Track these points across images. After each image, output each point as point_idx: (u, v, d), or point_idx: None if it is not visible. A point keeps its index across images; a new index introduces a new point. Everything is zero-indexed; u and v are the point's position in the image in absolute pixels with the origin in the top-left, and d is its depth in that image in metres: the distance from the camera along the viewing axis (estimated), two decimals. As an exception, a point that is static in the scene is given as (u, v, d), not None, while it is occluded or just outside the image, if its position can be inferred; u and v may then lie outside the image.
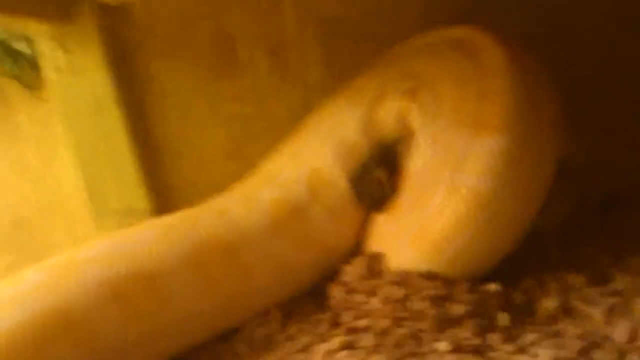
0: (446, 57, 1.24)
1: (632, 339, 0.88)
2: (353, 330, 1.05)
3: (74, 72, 1.51)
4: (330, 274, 1.21)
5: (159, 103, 1.59)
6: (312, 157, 1.33)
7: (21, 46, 1.57)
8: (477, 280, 1.07)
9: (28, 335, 0.97)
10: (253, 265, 1.17)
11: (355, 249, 1.26)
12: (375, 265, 1.15)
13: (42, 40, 1.50)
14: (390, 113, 1.27)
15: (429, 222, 1.10)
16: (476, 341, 0.95)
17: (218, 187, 1.41)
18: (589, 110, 1.31)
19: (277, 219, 1.22)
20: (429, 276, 1.07)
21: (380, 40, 1.49)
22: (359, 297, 1.10)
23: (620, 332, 0.89)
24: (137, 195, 1.56)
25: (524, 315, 1.02)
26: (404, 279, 1.08)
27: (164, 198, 1.61)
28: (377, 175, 1.24)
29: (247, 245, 1.18)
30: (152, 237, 1.13)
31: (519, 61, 1.13)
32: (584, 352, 0.87)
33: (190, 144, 1.61)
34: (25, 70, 1.61)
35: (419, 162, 1.19)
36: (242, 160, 1.58)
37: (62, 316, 1.00)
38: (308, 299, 1.23)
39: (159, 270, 1.09)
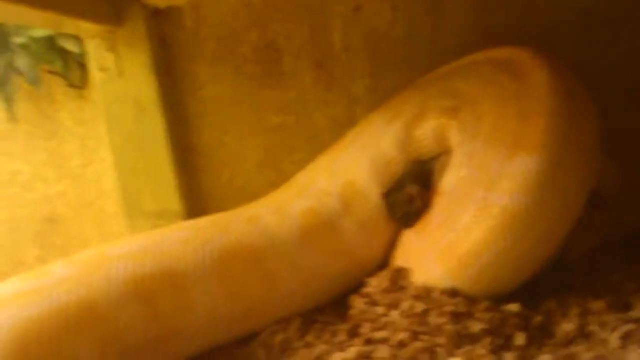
0: (490, 77, 1.28)
1: (645, 364, 0.91)
2: (370, 341, 1.09)
3: (120, 74, 1.60)
4: (356, 286, 1.26)
5: (201, 109, 1.66)
6: (347, 169, 1.38)
7: (69, 45, 1.64)
8: (499, 299, 1.10)
9: (53, 326, 1.03)
10: (279, 274, 1.22)
11: (383, 263, 1.31)
12: (399, 279, 1.20)
13: (91, 40, 1.59)
14: (429, 130, 1.32)
15: (457, 239, 1.13)
16: (491, 359, 0.98)
17: (252, 195, 1.47)
18: (624, 144, 1.35)
19: (307, 229, 1.27)
20: (451, 293, 1.11)
21: (425, 56, 1.57)
22: (379, 309, 1.15)
23: (633, 357, 0.92)
24: (171, 198, 1.63)
25: (541, 336, 1.04)
26: (425, 294, 1.12)
27: (198, 202, 1.67)
28: (410, 191, 1.28)
29: (275, 253, 1.23)
30: (181, 239, 1.19)
31: (564, 85, 1.16)
32: (597, 375, 0.90)
33: (229, 152, 1.68)
34: (72, 69, 1.69)
35: (453, 180, 1.22)
36: (279, 171, 1.65)
37: (87, 310, 1.06)
38: (330, 309, 1.28)
39: (185, 271, 1.15)
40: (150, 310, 1.11)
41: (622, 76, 1.47)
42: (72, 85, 1.71)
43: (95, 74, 1.61)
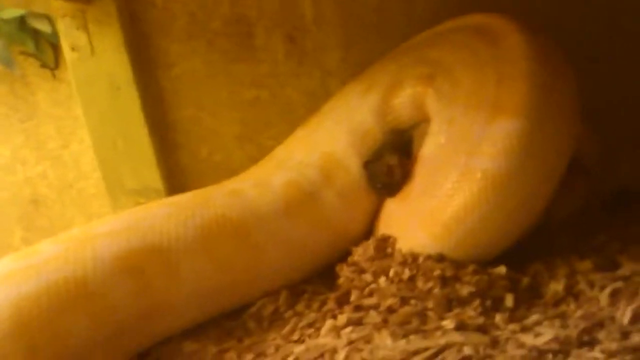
0: (465, 43, 1.27)
1: (635, 320, 0.91)
2: (360, 308, 1.09)
3: (92, 53, 1.57)
4: (342, 256, 1.26)
5: (176, 85, 1.64)
6: (326, 141, 1.37)
7: (41, 25, 1.61)
8: (486, 263, 1.11)
9: (44, 304, 1.02)
10: (264, 246, 1.22)
11: (368, 233, 1.30)
12: (385, 246, 1.20)
13: (62, 19, 1.55)
14: (406, 99, 1.31)
15: (440, 205, 1.13)
16: (480, 320, 0.99)
17: (232, 170, 1.46)
18: (604, 108, 1.35)
19: (289, 201, 1.26)
20: (438, 258, 1.11)
21: (399, 27, 1.54)
22: (367, 277, 1.14)
23: (624, 313, 0.92)
24: (152, 175, 1.61)
25: (530, 297, 1.05)
26: (412, 260, 1.12)
27: (178, 179, 1.66)
28: (389, 162, 1.27)
29: (259, 226, 1.22)
30: (165, 214, 1.17)
31: (540, 48, 1.16)
32: (587, 331, 0.90)
33: (206, 127, 1.66)
34: (45, 49, 1.65)
35: (432, 148, 1.22)
36: (258, 146, 1.64)
37: (76, 287, 1.05)
38: (317, 279, 1.28)
39: (171, 246, 1.13)
40: (139, 285, 1.10)
41: (598, 43, 1.47)
42: (45, 66, 1.69)
43: (67, 54, 1.58)
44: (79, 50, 1.57)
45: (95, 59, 1.57)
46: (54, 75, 1.69)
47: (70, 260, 1.07)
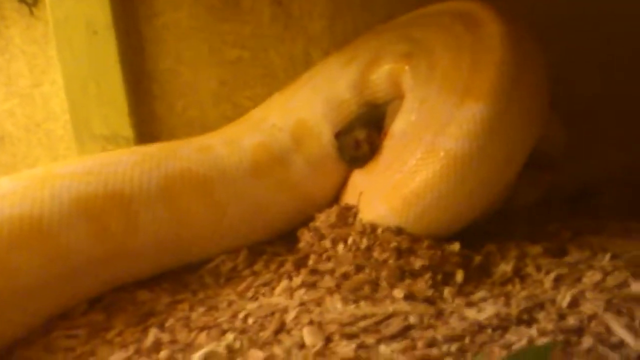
0: (447, 27, 1.33)
1: (573, 304, 0.99)
2: (316, 272, 1.17)
3: (73, -7, 1.59)
4: (305, 221, 1.32)
5: (157, 36, 1.67)
6: (301, 108, 1.42)
7: None
8: (441, 239, 1.18)
9: None
10: (227, 204, 1.27)
11: (333, 201, 1.37)
12: (346, 215, 1.27)
13: (44, -45, 1.57)
14: (383, 75, 1.36)
15: (403, 180, 1.20)
16: (429, 292, 1.07)
17: (206, 127, 1.51)
18: (572, 102, 1.41)
19: (257, 162, 1.32)
20: (395, 231, 1.18)
21: (385, 2, 1.60)
22: (326, 243, 1.22)
23: (564, 297, 1.01)
24: (122, 123, 1.65)
25: (480, 275, 1.13)
26: (371, 231, 1.19)
27: (149, 129, 1.70)
28: (359, 136, 1.33)
29: (224, 184, 1.27)
30: (130, 162, 1.22)
31: (517, 39, 1.22)
32: (527, 311, 0.99)
33: (184, 81, 1.69)
34: (24, -16, 1.67)
35: (403, 124, 1.28)
36: (234, 105, 1.68)
37: (32, 225, 1.08)
38: (279, 242, 1.34)
39: (132, 194, 1.18)
40: (95, 229, 1.14)
41: (574, 32, 1.52)
42: (23, 1, 1.70)
43: (47, -8, 1.60)
44: (59, -12, 1.58)
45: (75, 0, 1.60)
46: (31, 12, 1.70)
47: (27, 197, 1.11)
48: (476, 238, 1.21)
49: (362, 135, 1.33)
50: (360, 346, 0.94)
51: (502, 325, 0.96)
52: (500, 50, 1.20)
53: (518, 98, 1.18)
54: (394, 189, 1.21)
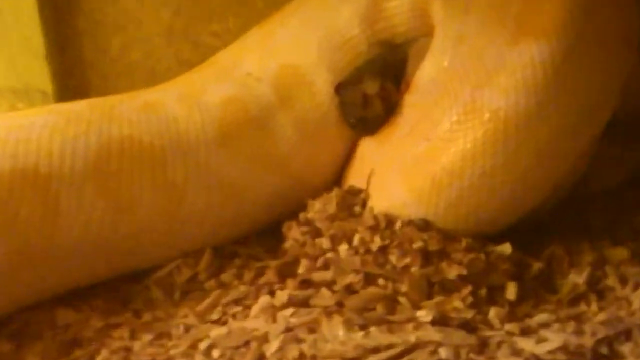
0: None
1: (672, 332, 0.98)
2: (309, 284, 1.14)
3: None
4: (293, 211, 1.29)
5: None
6: (288, 49, 1.40)
7: None
8: (486, 238, 1.15)
9: None
10: (184, 185, 1.24)
11: (333, 183, 1.35)
12: (352, 203, 1.24)
13: None
14: (405, 1, 1.34)
15: (431, 151, 1.17)
16: (469, 314, 1.04)
17: (155, 75, 1.52)
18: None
19: (226, 126, 1.29)
20: (421, 225, 1.15)
21: None
22: (323, 242, 1.18)
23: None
24: (38, 72, 1.63)
25: (540, 290, 1.11)
26: (386, 225, 1.16)
27: (75, 80, 1.68)
28: (369, 88, 1.31)
29: (179, 156, 1.24)
30: (49, 127, 1.19)
31: None
32: (607, 342, 0.96)
33: (123, 10, 1.67)
34: None
35: (432, 71, 1.26)
36: (193, 43, 1.67)
37: None
38: (256, 240, 1.32)
39: (50, 172, 1.15)
40: (7, 216, 1.13)
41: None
42: None
43: None
44: None
45: None
46: None
47: None
48: (535, 235, 1.19)
49: (374, 87, 1.30)
50: (371, 392, 0.93)
51: (573, 361, 0.94)
52: None
53: (594, 35, 1.15)
54: (418, 165, 1.19)
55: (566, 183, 1.22)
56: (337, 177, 1.37)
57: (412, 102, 1.27)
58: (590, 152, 1.21)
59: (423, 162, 1.18)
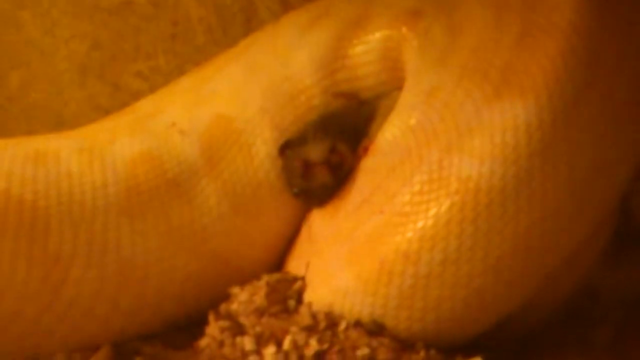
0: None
1: None
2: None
3: None
4: (214, 301, 1.24)
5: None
6: (225, 97, 1.36)
7: None
8: (453, 347, 1.08)
9: None
10: (71, 258, 1.19)
11: (271, 265, 1.30)
12: (285, 294, 1.19)
13: None
14: (372, 45, 1.33)
15: (384, 229, 1.12)
16: None
17: (60, 120, 1.48)
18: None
19: (134, 187, 1.25)
20: (371, 328, 1.09)
21: None
22: (247, 343, 1.13)
23: None
24: None
25: None
26: (326, 325, 1.10)
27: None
28: (317, 150, 1.27)
29: (68, 222, 1.20)
30: None
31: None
32: None
33: (26, 40, 1.64)
34: None
35: (395, 131, 1.21)
36: (112, 84, 1.63)
37: None
38: (164, 335, 1.26)
39: None
40: None
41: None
42: None
43: None
44: None
45: None
46: None
47: None
48: (523, 343, 1.15)
49: (320, 151, 1.26)
50: None
51: None
52: (570, 9, 1.15)
53: (598, 94, 1.12)
54: (367, 244, 1.13)
55: (568, 276, 1.18)
56: (275, 259, 1.33)
57: (369, 167, 1.23)
58: (605, 234, 1.18)
59: (373, 242, 1.13)
